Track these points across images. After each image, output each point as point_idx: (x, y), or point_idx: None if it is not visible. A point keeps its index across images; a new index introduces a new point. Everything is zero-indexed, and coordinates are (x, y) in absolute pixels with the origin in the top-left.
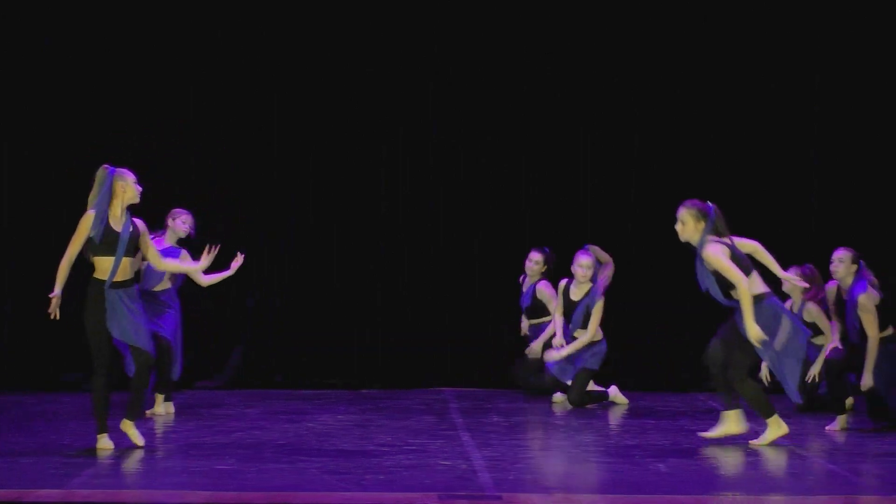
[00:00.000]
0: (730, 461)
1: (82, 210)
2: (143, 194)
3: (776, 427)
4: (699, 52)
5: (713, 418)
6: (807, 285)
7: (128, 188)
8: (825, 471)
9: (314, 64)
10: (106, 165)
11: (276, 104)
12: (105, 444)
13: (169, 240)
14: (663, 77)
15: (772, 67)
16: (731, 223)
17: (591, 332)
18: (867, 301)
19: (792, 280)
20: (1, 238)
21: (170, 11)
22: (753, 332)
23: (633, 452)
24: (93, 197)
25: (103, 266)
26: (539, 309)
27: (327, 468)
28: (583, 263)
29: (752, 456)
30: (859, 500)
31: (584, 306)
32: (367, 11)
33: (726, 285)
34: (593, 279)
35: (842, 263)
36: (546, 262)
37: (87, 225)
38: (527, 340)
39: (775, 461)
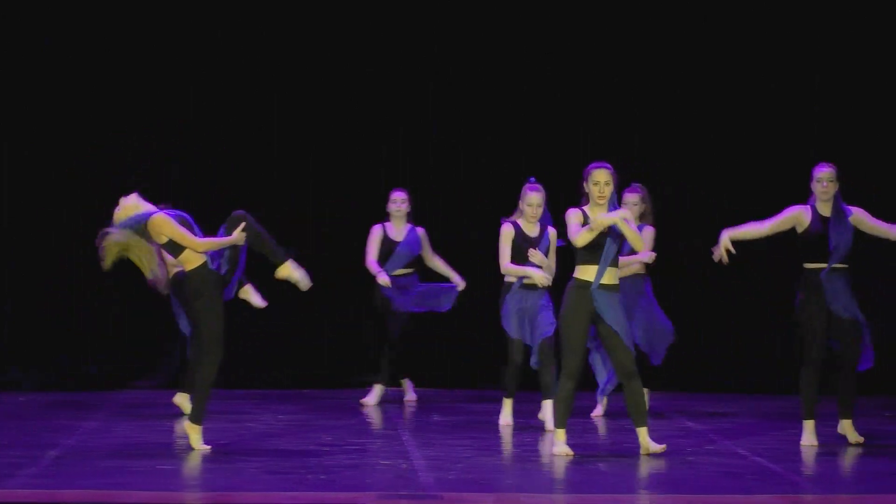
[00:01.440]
0: (668, 461)
1: (82, 210)
2: (142, 195)
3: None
4: (699, 52)
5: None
6: None
7: None
8: (765, 470)
9: (314, 64)
10: None
11: (276, 104)
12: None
13: None
14: (663, 77)
15: (772, 67)
16: (731, 223)
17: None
18: None
19: None
20: (1, 238)
21: (169, 11)
22: None
23: (573, 452)
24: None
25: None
26: None
27: (267, 468)
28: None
29: (692, 455)
30: (801, 499)
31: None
32: (367, 11)
33: None
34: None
35: None
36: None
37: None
38: None
39: (713, 461)
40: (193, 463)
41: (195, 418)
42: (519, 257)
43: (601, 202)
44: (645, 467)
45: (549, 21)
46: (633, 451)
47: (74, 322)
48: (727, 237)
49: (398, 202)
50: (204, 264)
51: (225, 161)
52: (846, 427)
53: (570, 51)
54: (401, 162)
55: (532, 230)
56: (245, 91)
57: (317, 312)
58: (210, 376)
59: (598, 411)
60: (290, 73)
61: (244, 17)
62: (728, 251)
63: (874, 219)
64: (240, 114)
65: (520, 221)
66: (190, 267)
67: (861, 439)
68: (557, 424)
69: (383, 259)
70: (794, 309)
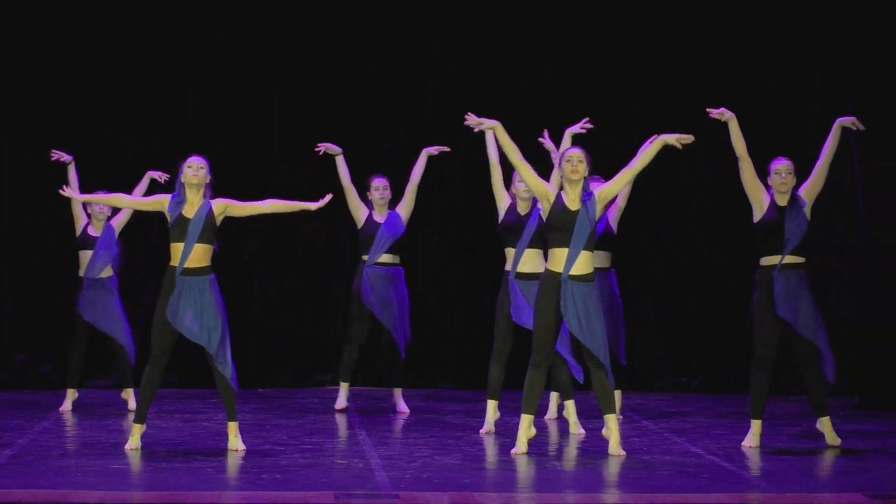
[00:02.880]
0: (623, 460)
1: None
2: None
3: None
4: (698, 53)
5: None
6: None
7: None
8: (719, 469)
9: (314, 64)
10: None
11: (276, 104)
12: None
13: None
14: (663, 77)
15: (771, 67)
16: (733, 222)
17: None
18: None
19: None
20: (1, 238)
21: (169, 11)
22: None
23: (531, 451)
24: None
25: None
26: None
27: (223, 468)
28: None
29: (648, 455)
30: (754, 497)
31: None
32: (367, 11)
33: None
34: None
35: None
36: None
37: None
38: None
39: (669, 460)
40: (148, 462)
41: (136, 418)
42: (512, 237)
43: (574, 177)
44: (601, 467)
45: (549, 21)
46: (590, 451)
47: (29, 322)
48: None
49: (381, 189)
50: None
51: (225, 161)
52: (825, 424)
53: (570, 51)
54: (401, 162)
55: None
56: (245, 91)
57: (272, 313)
58: (146, 376)
59: (552, 414)
60: (290, 74)
61: (244, 17)
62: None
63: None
64: (240, 114)
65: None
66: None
67: (838, 441)
68: (525, 410)
69: (366, 245)
70: (748, 307)
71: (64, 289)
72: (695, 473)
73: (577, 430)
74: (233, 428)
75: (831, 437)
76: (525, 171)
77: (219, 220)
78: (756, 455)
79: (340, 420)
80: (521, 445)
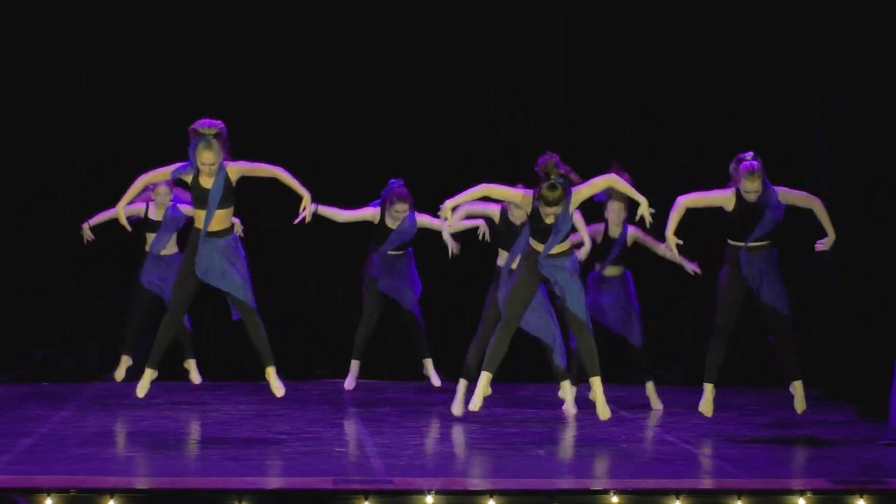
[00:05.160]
0: (605, 449)
1: (82, 210)
2: (142, 192)
3: None
4: (699, 53)
5: (590, 407)
6: None
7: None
8: (692, 456)
9: (314, 64)
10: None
11: (277, 104)
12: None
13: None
14: (663, 77)
15: (771, 67)
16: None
17: None
18: None
19: None
20: (15, 236)
21: (169, 11)
22: None
23: (515, 440)
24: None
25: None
26: None
27: (229, 455)
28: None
29: (626, 443)
30: (727, 483)
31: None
32: (368, 11)
33: None
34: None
35: None
36: None
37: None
38: None
39: (645, 448)
40: (158, 450)
41: (150, 363)
42: (505, 242)
43: (548, 221)
44: (581, 454)
45: (548, 20)
46: (577, 439)
47: (48, 317)
48: (671, 237)
49: (400, 213)
50: None
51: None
52: (797, 388)
53: (569, 51)
54: (401, 161)
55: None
56: (245, 91)
57: (276, 309)
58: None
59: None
60: (290, 74)
61: (244, 18)
62: (678, 245)
63: (794, 190)
64: (240, 113)
65: (514, 212)
66: None
67: (804, 406)
68: (486, 367)
69: (378, 240)
70: (716, 281)
71: (79, 286)
72: (670, 461)
73: (571, 410)
74: (271, 373)
75: (800, 402)
76: (494, 193)
77: (235, 182)
78: (727, 443)
79: (339, 411)
80: (477, 402)
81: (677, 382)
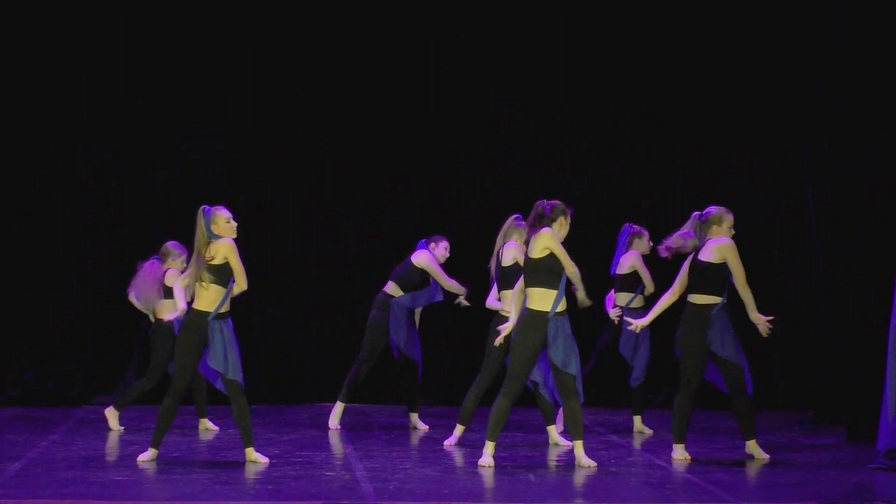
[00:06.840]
0: (592, 472)
1: (82, 210)
2: (142, 197)
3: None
4: (699, 53)
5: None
6: None
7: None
8: (683, 480)
9: (314, 64)
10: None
11: (277, 104)
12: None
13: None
14: (663, 77)
15: (770, 67)
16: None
17: None
18: None
19: None
20: (1, 238)
21: (169, 11)
22: None
23: (505, 463)
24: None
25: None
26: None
27: (219, 479)
28: None
29: (615, 467)
30: None
31: None
32: (368, 11)
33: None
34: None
35: None
36: None
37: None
38: None
39: (635, 472)
40: (148, 474)
41: (154, 443)
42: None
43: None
44: (571, 478)
45: (549, 21)
46: (562, 463)
47: (37, 339)
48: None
49: (448, 251)
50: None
51: (225, 160)
52: (752, 447)
53: (570, 51)
54: (400, 162)
55: None
56: (245, 91)
57: (264, 334)
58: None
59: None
60: (290, 74)
61: (244, 18)
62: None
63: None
64: (239, 114)
65: None
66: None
67: (767, 457)
68: (489, 437)
69: (410, 288)
70: (676, 337)
71: (68, 307)
72: (659, 484)
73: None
74: (251, 452)
75: (759, 455)
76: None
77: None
78: (720, 466)
79: (329, 435)
80: (488, 460)
81: (666, 406)
